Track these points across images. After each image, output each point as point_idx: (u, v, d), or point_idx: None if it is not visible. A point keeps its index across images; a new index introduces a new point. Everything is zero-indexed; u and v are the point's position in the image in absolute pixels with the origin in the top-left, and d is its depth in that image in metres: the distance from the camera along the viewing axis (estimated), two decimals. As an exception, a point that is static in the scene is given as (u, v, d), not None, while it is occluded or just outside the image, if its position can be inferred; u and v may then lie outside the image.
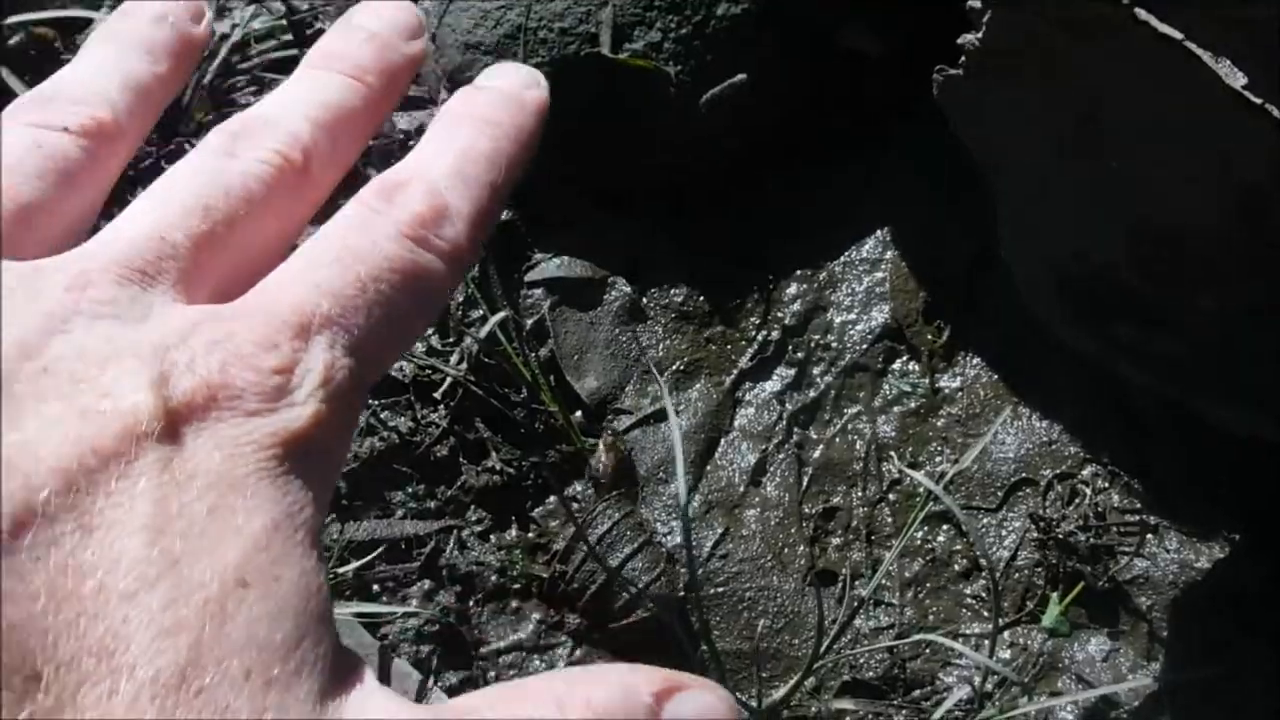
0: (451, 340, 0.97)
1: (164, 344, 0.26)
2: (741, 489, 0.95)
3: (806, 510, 0.94)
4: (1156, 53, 0.70)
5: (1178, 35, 0.70)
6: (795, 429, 0.97)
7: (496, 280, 0.99)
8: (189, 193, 0.30)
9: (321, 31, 1.05)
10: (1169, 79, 0.71)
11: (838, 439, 0.97)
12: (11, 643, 0.22)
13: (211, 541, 0.24)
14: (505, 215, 1.01)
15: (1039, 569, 0.91)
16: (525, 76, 0.36)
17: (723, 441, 0.96)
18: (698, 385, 0.98)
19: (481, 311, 0.97)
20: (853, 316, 1.00)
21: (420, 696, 0.84)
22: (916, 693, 0.89)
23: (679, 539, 0.91)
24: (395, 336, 0.30)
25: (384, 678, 0.83)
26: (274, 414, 0.26)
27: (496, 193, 0.33)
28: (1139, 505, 0.92)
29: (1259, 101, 0.70)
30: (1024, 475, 0.94)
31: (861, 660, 0.89)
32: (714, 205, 1.03)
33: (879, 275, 1.01)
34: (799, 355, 0.99)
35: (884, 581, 0.91)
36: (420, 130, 1.03)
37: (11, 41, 0.98)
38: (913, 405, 0.97)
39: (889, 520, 0.94)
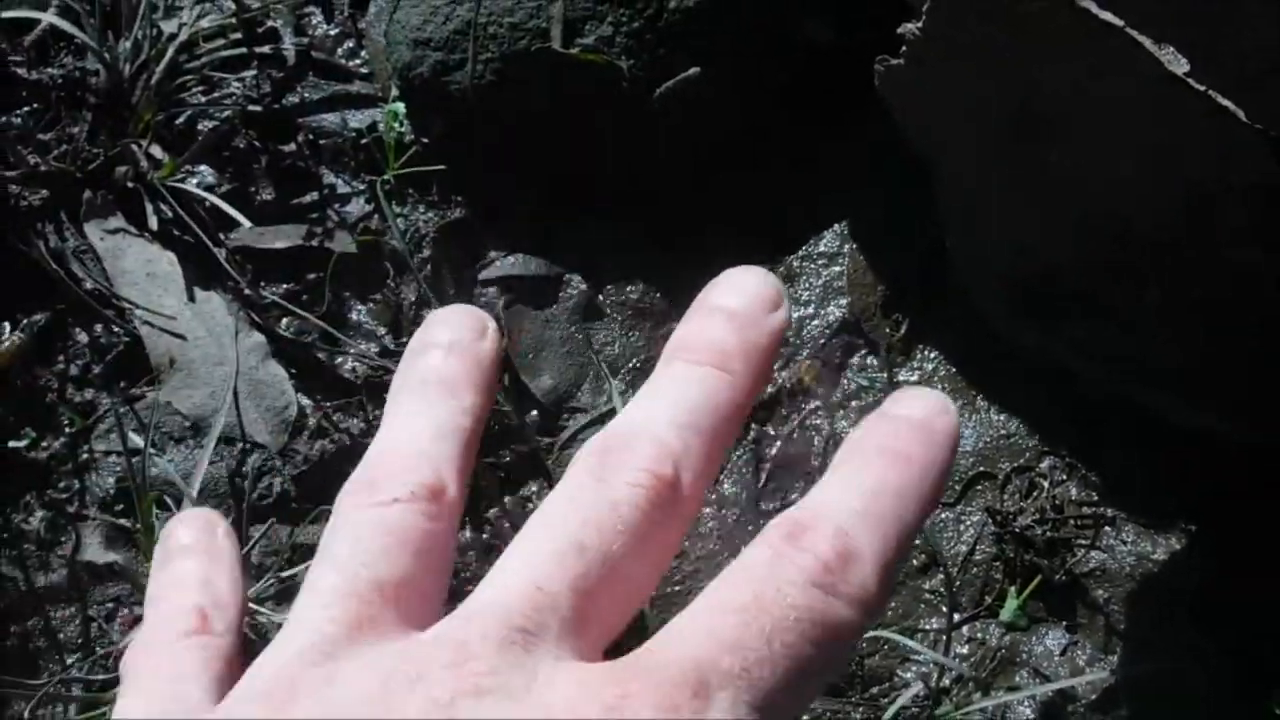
0: (404, 340, 0.96)
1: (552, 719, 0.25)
2: (698, 486, 0.94)
3: (765, 507, 0.93)
4: (1097, 41, 0.69)
5: (1118, 22, 0.69)
6: (753, 425, 0.96)
7: (449, 278, 0.98)
8: (562, 533, 0.29)
9: (274, 30, 1.05)
10: (1110, 68, 0.70)
11: (796, 434, 0.96)
12: None
13: None
14: (458, 213, 1.00)
15: (997, 563, 0.91)
16: (935, 403, 0.32)
17: (679, 439, 0.96)
18: (653, 382, 0.97)
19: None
20: (810, 311, 0.99)
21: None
22: (875, 689, 0.88)
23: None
24: (800, 688, 0.28)
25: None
26: None
27: (907, 531, 0.30)
28: (1096, 498, 0.92)
29: (1202, 88, 0.69)
30: (982, 469, 0.93)
31: (818, 658, 0.89)
32: (670, 200, 1.02)
33: (837, 269, 1.00)
34: (755, 351, 0.98)
35: (841, 578, 0.90)
36: (373, 129, 1.02)
37: (-45, 43, 0.97)
38: (871, 400, 0.97)
39: (847, 516, 0.93)
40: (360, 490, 0.32)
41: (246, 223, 0.94)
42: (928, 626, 0.89)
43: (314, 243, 0.97)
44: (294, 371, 0.93)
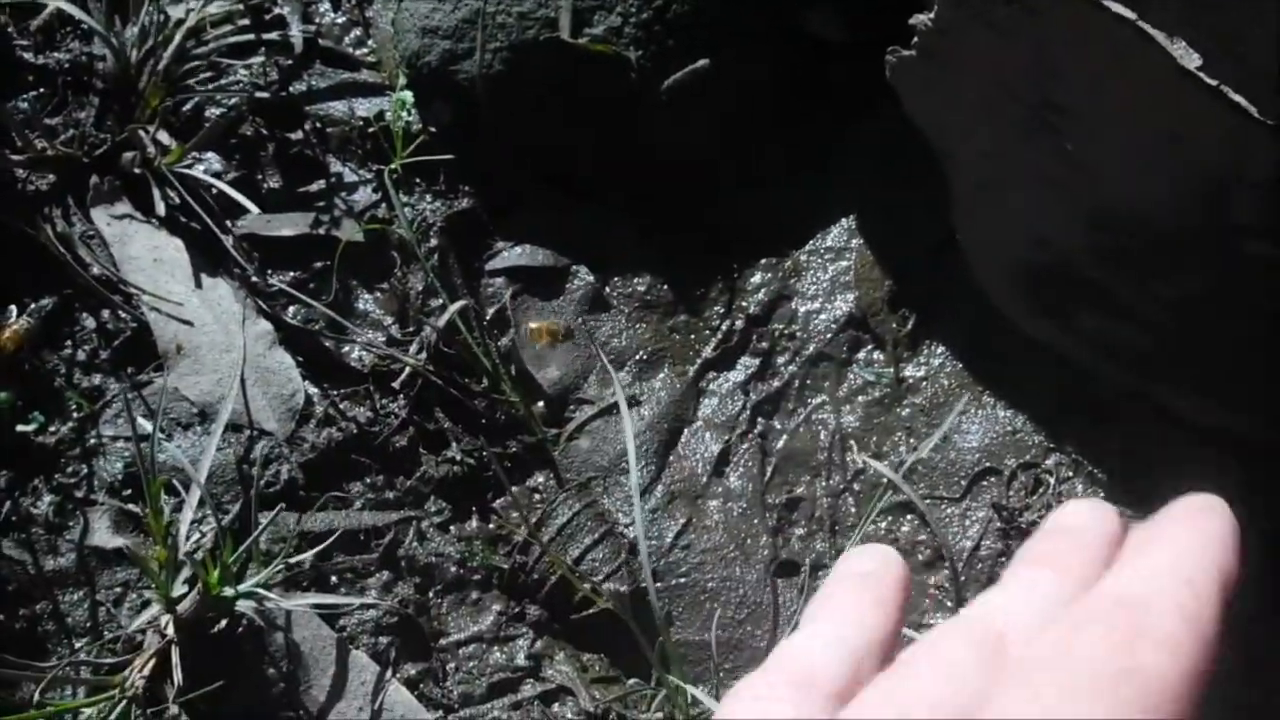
0: (411, 330, 0.96)
1: None
2: (704, 479, 0.94)
3: (770, 500, 0.93)
4: (1110, 34, 0.69)
5: (1131, 15, 0.69)
6: (759, 419, 0.96)
7: (457, 268, 0.98)
8: None
9: (281, 18, 1.04)
10: (1124, 61, 0.70)
11: (801, 429, 0.96)
12: None
13: None
14: (466, 203, 1.00)
15: (1002, 558, 0.91)
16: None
17: (686, 431, 0.96)
18: (661, 375, 0.97)
19: (441, 300, 0.96)
20: (817, 305, 0.99)
21: (378, 689, 0.83)
22: (879, 683, 0.88)
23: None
24: None
25: (341, 670, 0.82)
26: None
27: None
28: (1102, 495, 0.92)
29: (1214, 83, 0.69)
30: (988, 465, 0.93)
31: (824, 651, 0.88)
32: (677, 193, 1.02)
33: (844, 264, 1.00)
34: (763, 345, 0.98)
35: (847, 571, 0.90)
36: (380, 117, 1.02)
37: (-38, 26, 0.96)
38: (877, 395, 0.97)
39: (853, 510, 0.93)
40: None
41: (254, 209, 0.93)
42: (933, 621, 0.89)
43: (321, 231, 0.97)
44: (301, 359, 0.92)
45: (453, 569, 0.90)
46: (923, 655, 0.31)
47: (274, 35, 1.03)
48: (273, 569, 0.76)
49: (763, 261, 1.01)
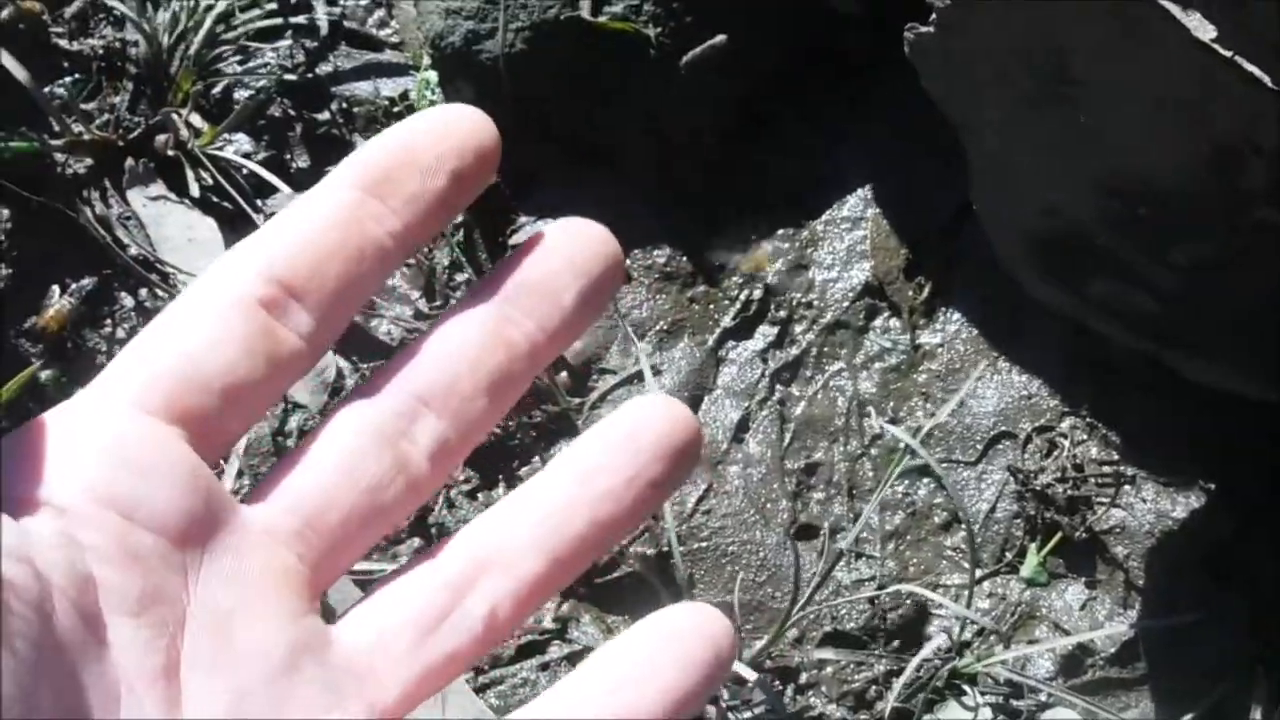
0: (438, 304, 0.99)
1: None
2: (725, 446, 0.96)
3: (789, 466, 0.96)
4: (1124, 7, 0.70)
5: (1143, -12, 0.70)
6: (777, 386, 0.98)
7: (481, 243, 1.00)
8: None
9: (307, 1, 1.07)
10: (1137, 32, 0.71)
11: (819, 395, 0.98)
12: None
13: None
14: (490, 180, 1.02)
15: (1018, 520, 0.93)
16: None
17: (706, 399, 0.98)
18: (681, 344, 1.00)
19: (467, 275, 0.98)
20: (834, 274, 1.01)
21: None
22: (897, 642, 0.90)
23: (662, 495, 0.92)
24: None
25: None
26: None
27: None
28: (1116, 457, 0.93)
29: (1228, 54, 0.70)
30: (1003, 429, 0.95)
31: (843, 611, 0.91)
32: (695, 165, 1.04)
33: (860, 233, 1.02)
34: (781, 314, 1.00)
35: (865, 534, 0.93)
36: (404, 97, 1.04)
37: (1, 16, 0.99)
38: (894, 361, 0.99)
39: (870, 475, 0.95)
40: None
41: (284, 189, 0.96)
42: (950, 582, 0.92)
43: (349, 209, 1.00)
44: (331, 334, 0.95)
45: (482, 535, 0.93)
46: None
47: (300, 19, 1.05)
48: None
49: (780, 232, 1.03)
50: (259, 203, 0.99)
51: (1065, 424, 0.95)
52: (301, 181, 1.00)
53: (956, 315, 0.99)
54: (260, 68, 1.03)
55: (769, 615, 0.91)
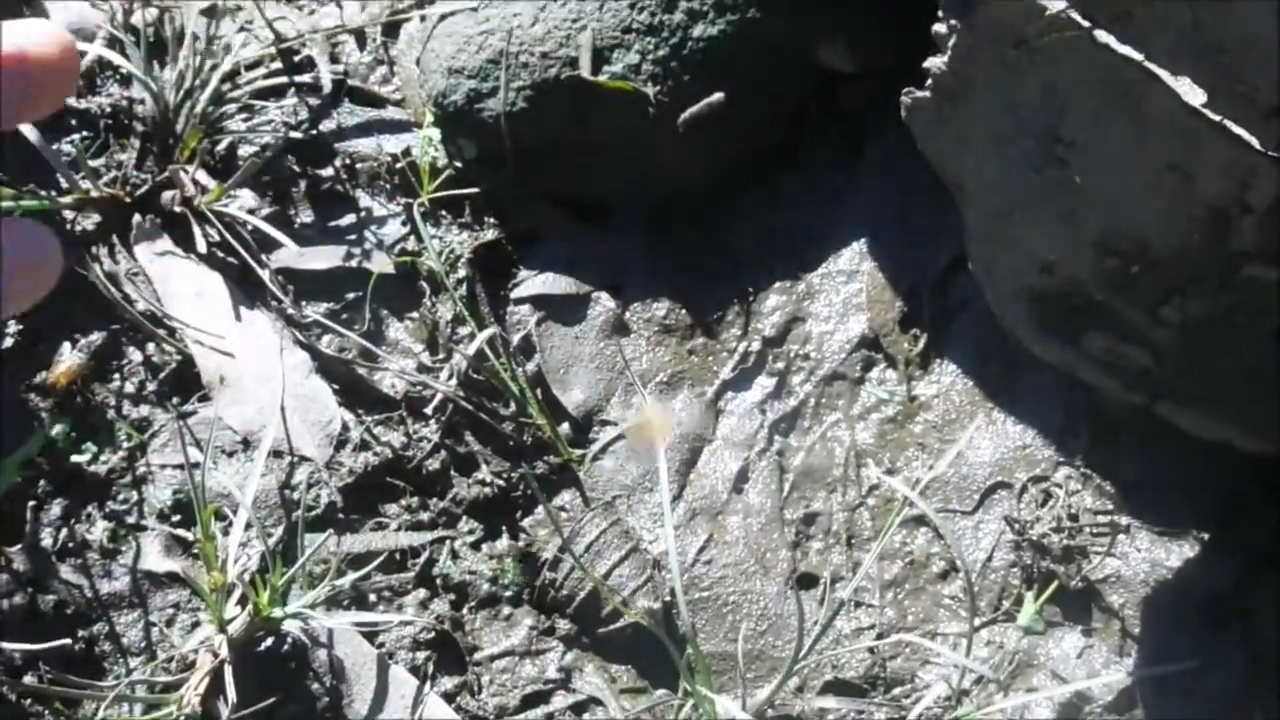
0: (441, 357, 1.00)
1: None
2: (725, 496, 0.97)
3: (788, 516, 0.97)
4: (1117, 73, 0.73)
5: (1137, 56, 0.72)
6: (776, 437, 1.00)
7: (484, 297, 1.02)
8: None
9: (310, 59, 1.09)
10: (1130, 98, 0.74)
11: (817, 446, 0.99)
12: None
13: None
14: (491, 234, 1.04)
15: (1014, 569, 0.94)
16: None
17: (706, 450, 0.99)
18: (681, 396, 1.01)
19: (469, 329, 1.00)
20: (831, 327, 1.03)
21: (417, 702, 0.87)
22: (897, 690, 0.91)
23: (664, 546, 0.94)
24: None
25: (382, 685, 0.86)
26: None
27: None
28: (1111, 506, 0.95)
29: (1217, 119, 0.73)
30: (999, 479, 0.97)
31: (843, 660, 0.92)
32: (694, 220, 1.06)
33: (855, 286, 1.04)
34: (779, 365, 1.02)
35: (864, 583, 0.94)
36: (407, 153, 1.06)
37: (9, 74, 1.00)
38: (890, 412, 1.00)
39: (869, 524, 0.97)
40: None
41: (289, 244, 0.98)
42: (948, 630, 0.93)
43: (353, 263, 1.01)
44: (336, 387, 0.96)
45: (485, 586, 0.94)
46: None
47: (305, 77, 1.07)
48: (320, 590, 0.80)
49: (777, 285, 1.05)
50: (264, 257, 1.00)
51: (1060, 474, 0.97)
52: (306, 237, 1.02)
53: (951, 367, 1.01)
54: (265, 125, 1.05)
55: (770, 663, 0.92)
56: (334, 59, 1.10)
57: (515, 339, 1.02)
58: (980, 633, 0.92)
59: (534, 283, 1.04)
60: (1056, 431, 0.98)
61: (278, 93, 1.07)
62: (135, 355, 0.95)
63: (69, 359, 0.92)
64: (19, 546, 0.86)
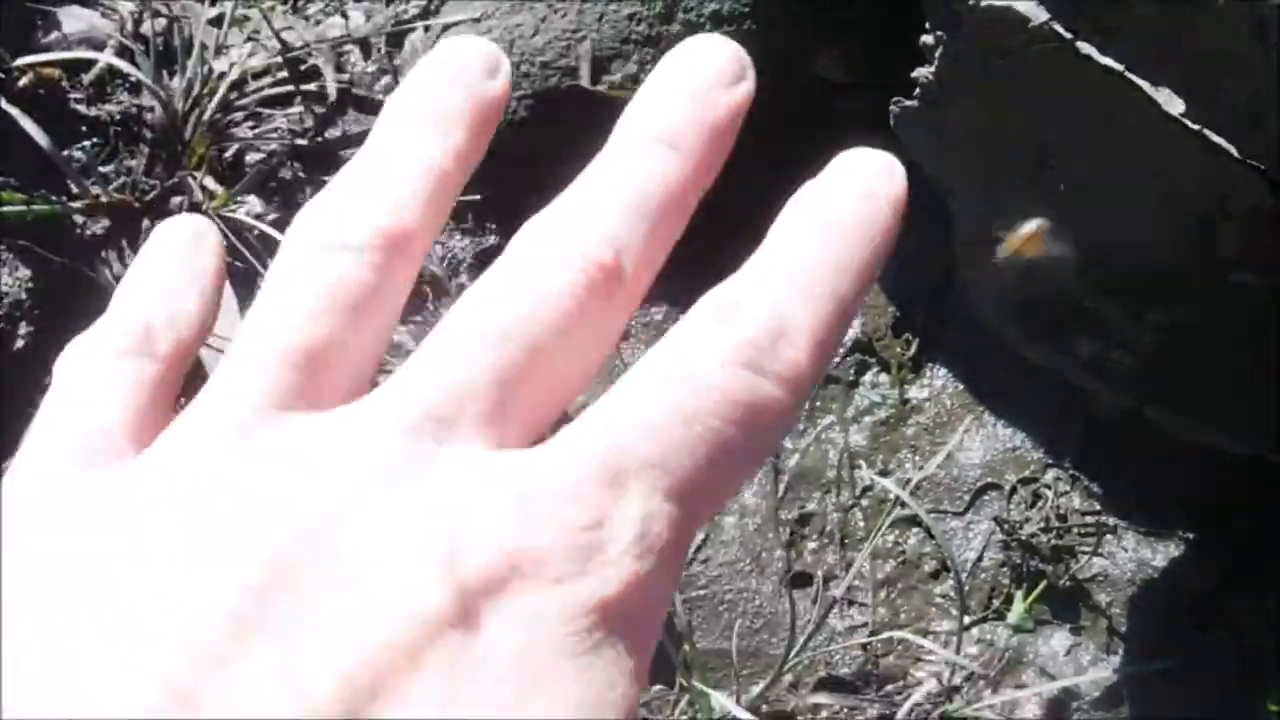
0: (443, 360, 1.02)
1: (459, 510, 0.24)
2: (721, 497, 0.99)
3: (783, 516, 0.99)
4: (1099, 84, 0.75)
5: (1118, 66, 0.75)
6: (772, 439, 1.02)
7: (485, 302, 1.04)
8: (488, 320, 0.27)
9: (316, 68, 1.11)
10: (1111, 108, 0.76)
11: (812, 448, 1.02)
12: None
13: None
14: (493, 240, 1.06)
15: (1004, 569, 0.96)
16: (878, 166, 0.29)
17: (703, 452, 1.01)
18: (678, 399, 1.03)
19: (471, 332, 1.02)
20: (825, 331, 1.05)
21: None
22: (889, 687, 0.93)
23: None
24: (724, 476, 0.25)
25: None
26: (583, 578, 0.23)
27: (845, 306, 0.27)
28: (1098, 507, 0.97)
29: (1196, 127, 0.75)
30: (989, 480, 0.99)
31: (836, 657, 0.94)
32: (693, 225, 1.08)
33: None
34: (774, 369, 1.04)
35: (857, 582, 0.96)
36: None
37: (21, 83, 1.03)
38: (883, 415, 1.02)
39: (861, 524, 0.99)
40: (321, 223, 0.28)
41: (296, 250, 1.00)
42: (939, 628, 0.95)
43: (357, 268, 1.03)
44: (340, 389, 0.98)
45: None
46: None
47: (310, 86, 1.10)
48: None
49: (773, 290, 1.07)
50: (269, 262, 1.02)
51: (1049, 476, 0.99)
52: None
53: (943, 371, 1.03)
54: (271, 132, 1.07)
55: (765, 661, 0.94)
56: (339, 68, 1.12)
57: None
58: (971, 630, 0.94)
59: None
60: (1046, 434, 1.00)
61: (284, 101, 1.09)
62: (144, 357, 0.97)
63: (79, 360, 0.94)
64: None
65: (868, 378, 1.04)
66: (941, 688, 0.91)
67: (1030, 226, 0.82)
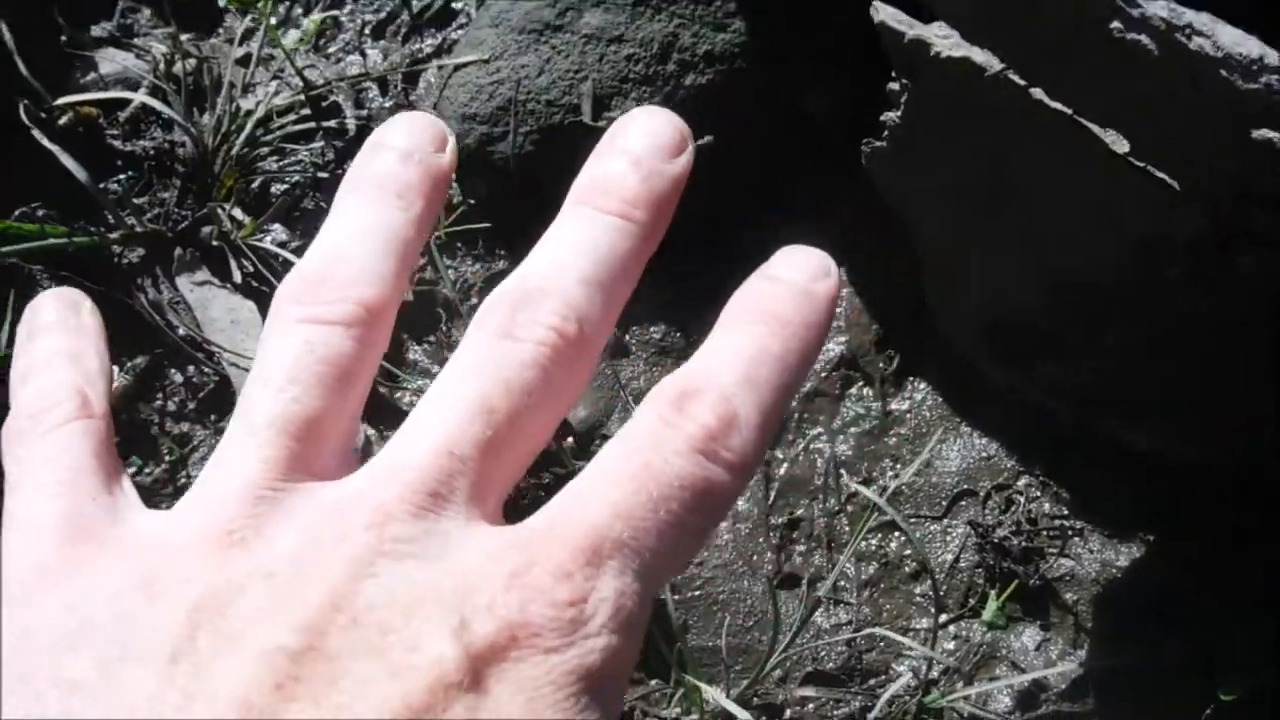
0: (455, 377, 1.09)
1: (464, 584, 0.25)
2: (715, 504, 1.06)
3: (773, 521, 1.06)
4: (1051, 126, 0.82)
5: (1067, 110, 0.82)
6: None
7: (494, 323, 1.11)
8: (473, 393, 0.28)
9: (337, 105, 1.18)
10: (1063, 147, 0.83)
11: (801, 457, 1.08)
12: None
13: None
14: (502, 265, 1.14)
15: (979, 569, 1.03)
16: (816, 266, 0.32)
17: (698, 462, 1.08)
18: (675, 413, 1.10)
19: (481, 351, 1.09)
20: (812, 349, 1.12)
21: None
22: (871, 681, 1.00)
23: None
24: (681, 553, 0.28)
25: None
26: (570, 648, 0.25)
27: (785, 395, 0.30)
28: (1066, 512, 1.04)
29: (1140, 165, 0.82)
30: (965, 487, 1.06)
31: (822, 653, 1.01)
32: (688, 250, 1.15)
33: (835, 310, 1.13)
34: (765, 384, 1.11)
35: (842, 583, 1.03)
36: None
37: (61, 121, 1.10)
38: (867, 427, 1.09)
39: (847, 529, 1.06)
40: (303, 295, 0.30)
41: (318, 276, 1.07)
42: (918, 626, 1.02)
43: (375, 292, 1.11)
44: (360, 405, 1.05)
45: (496, 587, 1.03)
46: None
47: (331, 122, 1.17)
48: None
49: (764, 310, 1.14)
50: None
51: (1021, 482, 1.05)
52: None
53: (923, 385, 1.10)
54: (295, 165, 1.15)
55: (755, 657, 1.01)
56: (358, 104, 1.19)
57: (523, 361, 1.11)
58: (947, 627, 1.01)
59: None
60: (1018, 444, 1.07)
61: (307, 136, 1.17)
62: (176, 377, 1.04)
63: (116, 381, 1.01)
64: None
65: (853, 391, 1.11)
66: (920, 681, 0.98)
67: None
